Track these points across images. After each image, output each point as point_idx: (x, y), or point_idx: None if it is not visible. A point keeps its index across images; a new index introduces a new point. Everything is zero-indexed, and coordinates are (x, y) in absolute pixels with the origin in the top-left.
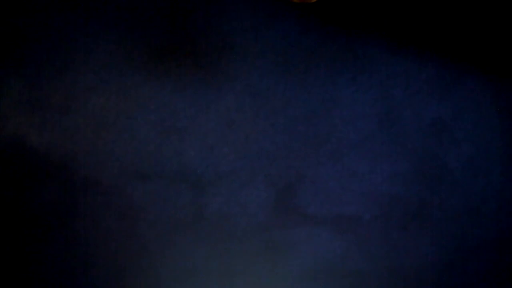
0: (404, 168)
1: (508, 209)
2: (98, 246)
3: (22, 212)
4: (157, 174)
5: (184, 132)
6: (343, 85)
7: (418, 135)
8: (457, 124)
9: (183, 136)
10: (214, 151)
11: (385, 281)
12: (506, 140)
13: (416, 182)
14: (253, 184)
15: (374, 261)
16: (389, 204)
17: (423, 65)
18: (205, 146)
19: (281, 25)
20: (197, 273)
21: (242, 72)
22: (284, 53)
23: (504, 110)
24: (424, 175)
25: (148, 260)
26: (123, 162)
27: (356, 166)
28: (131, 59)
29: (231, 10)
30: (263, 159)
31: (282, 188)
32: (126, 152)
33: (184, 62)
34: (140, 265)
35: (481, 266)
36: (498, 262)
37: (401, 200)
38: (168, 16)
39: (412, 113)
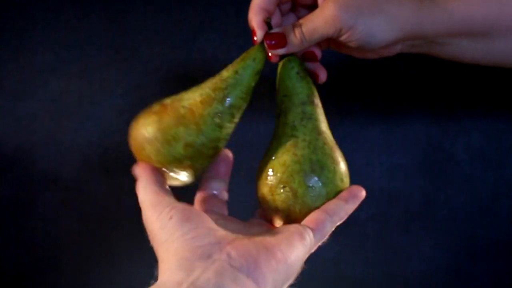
0: (405, 161)
1: None
2: (58, 249)
3: None
4: (125, 167)
5: None
6: None
7: (421, 122)
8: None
9: None
10: None
11: None
12: None
13: (418, 177)
14: (234, 178)
15: (371, 266)
16: (388, 201)
17: None
18: None
19: None
20: None
21: (221, 52)
22: None
23: None
24: (428, 169)
25: (114, 265)
26: (86, 154)
27: (350, 158)
28: (96, 37)
29: None
30: (246, 149)
31: None
32: (89, 142)
33: (155, 40)
34: (106, 269)
35: (492, 271)
36: (511, 267)
37: (401, 196)
38: None
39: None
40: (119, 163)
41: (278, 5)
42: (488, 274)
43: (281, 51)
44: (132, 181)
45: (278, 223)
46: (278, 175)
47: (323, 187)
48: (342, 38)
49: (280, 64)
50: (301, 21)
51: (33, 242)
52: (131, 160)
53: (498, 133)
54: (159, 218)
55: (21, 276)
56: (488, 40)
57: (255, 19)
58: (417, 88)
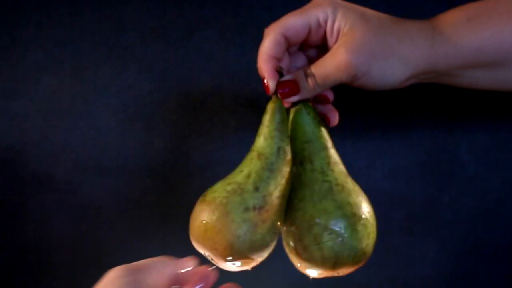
0: (408, 162)
1: None
2: (51, 252)
3: None
4: (119, 168)
5: (150, 119)
6: None
7: (424, 123)
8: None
9: (149, 124)
10: (187, 141)
11: None
12: None
13: (421, 178)
14: None
15: (373, 269)
16: (390, 203)
17: None
18: (176, 135)
19: None
20: None
21: (218, 49)
22: None
23: None
24: (431, 170)
25: (109, 268)
26: (79, 154)
27: (351, 160)
28: (89, 35)
29: None
30: (244, 151)
31: None
32: (82, 143)
33: (150, 37)
34: (99, 273)
35: (498, 276)
36: None
37: (404, 199)
38: None
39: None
40: (113, 164)
41: (287, 48)
42: (492, 278)
43: (294, 98)
44: (127, 182)
45: (322, 274)
46: (322, 222)
47: (365, 226)
48: (357, 83)
49: (292, 110)
50: (312, 67)
51: (25, 244)
52: (126, 160)
53: (503, 133)
54: None
55: (13, 280)
56: (502, 70)
57: (265, 68)
58: (420, 88)
